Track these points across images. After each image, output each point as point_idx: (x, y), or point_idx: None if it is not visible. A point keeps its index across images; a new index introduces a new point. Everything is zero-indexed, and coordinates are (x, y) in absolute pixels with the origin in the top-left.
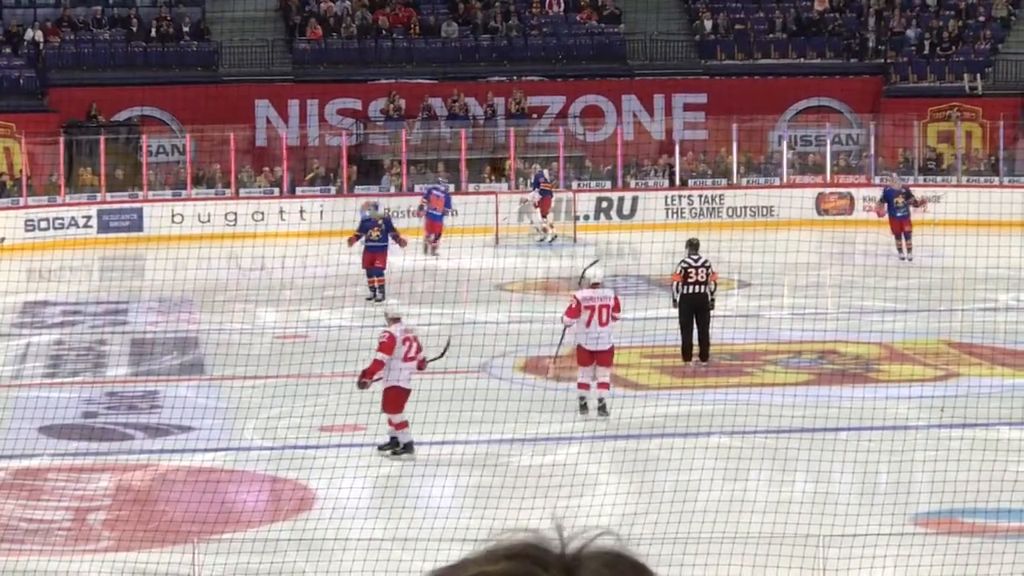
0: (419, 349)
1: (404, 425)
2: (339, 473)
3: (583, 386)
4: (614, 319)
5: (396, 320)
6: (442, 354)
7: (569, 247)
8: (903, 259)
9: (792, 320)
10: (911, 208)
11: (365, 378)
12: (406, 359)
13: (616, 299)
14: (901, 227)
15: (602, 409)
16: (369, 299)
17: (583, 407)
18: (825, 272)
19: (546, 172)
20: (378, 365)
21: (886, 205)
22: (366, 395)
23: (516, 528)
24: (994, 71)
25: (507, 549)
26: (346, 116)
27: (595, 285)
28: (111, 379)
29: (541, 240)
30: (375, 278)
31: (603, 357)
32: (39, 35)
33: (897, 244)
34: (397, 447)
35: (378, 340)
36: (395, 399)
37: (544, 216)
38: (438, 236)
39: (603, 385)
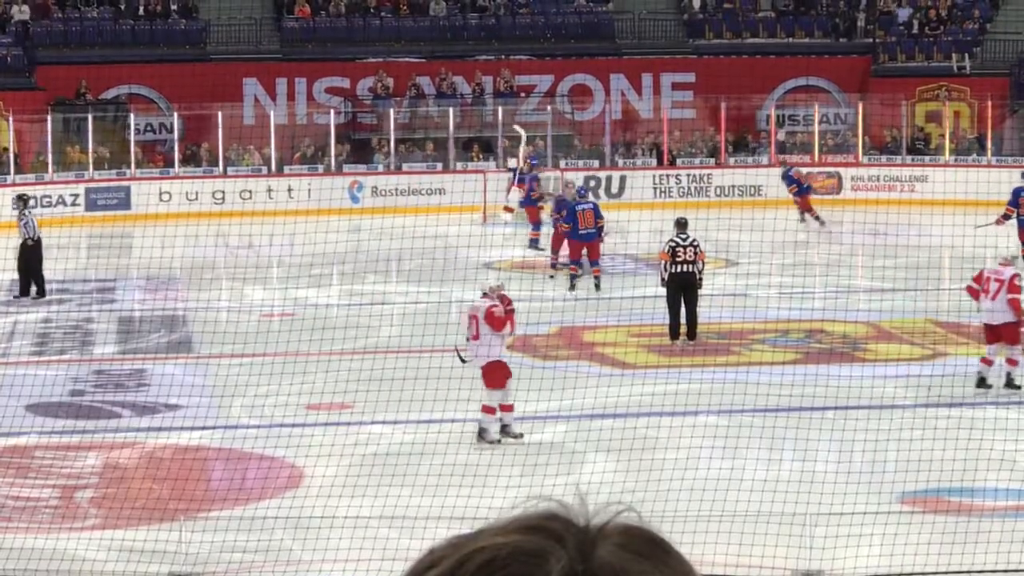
0: None
1: None
2: (326, 451)
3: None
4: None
5: None
6: None
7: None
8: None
9: (779, 299)
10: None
11: None
12: None
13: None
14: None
15: None
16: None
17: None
18: (812, 251)
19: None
20: None
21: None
22: (353, 374)
23: (542, 496)
24: (982, 51)
25: (525, 520)
26: (334, 95)
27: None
28: (99, 357)
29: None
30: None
31: None
32: (27, 13)
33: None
34: None
35: None
36: None
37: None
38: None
39: None
